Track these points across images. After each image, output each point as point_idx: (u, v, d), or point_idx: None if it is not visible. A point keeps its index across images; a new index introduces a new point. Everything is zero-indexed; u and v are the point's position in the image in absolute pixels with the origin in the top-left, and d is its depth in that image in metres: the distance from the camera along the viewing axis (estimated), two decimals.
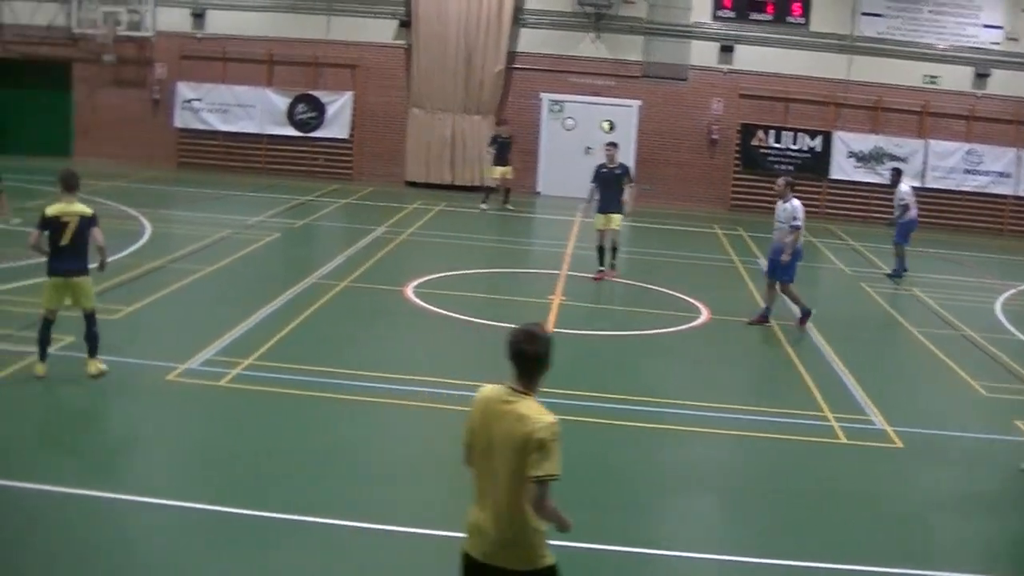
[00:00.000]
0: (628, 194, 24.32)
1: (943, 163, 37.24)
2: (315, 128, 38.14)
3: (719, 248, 29.78)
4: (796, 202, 20.18)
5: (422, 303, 20.06)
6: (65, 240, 14.37)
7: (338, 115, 38.06)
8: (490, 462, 7.03)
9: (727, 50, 37.49)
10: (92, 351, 14.58)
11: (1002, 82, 37.32)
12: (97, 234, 14.59)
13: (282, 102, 38.13)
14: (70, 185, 14.70)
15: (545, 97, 37.94)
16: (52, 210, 14.51)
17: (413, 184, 37.36)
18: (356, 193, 35.12)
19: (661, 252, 28.90)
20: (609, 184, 24.00)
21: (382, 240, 26.63)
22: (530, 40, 37.69)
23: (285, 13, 38.04)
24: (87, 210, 14.61)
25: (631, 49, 37.51)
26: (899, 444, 14.42)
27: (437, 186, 37.17)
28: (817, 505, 12.46)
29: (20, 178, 31.93)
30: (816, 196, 36.50)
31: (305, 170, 38.12)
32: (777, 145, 37.46)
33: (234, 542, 10.38)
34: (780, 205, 20.32)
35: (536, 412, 6.92)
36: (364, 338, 18.23)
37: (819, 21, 37.36)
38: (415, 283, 21.57)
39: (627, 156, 36.52)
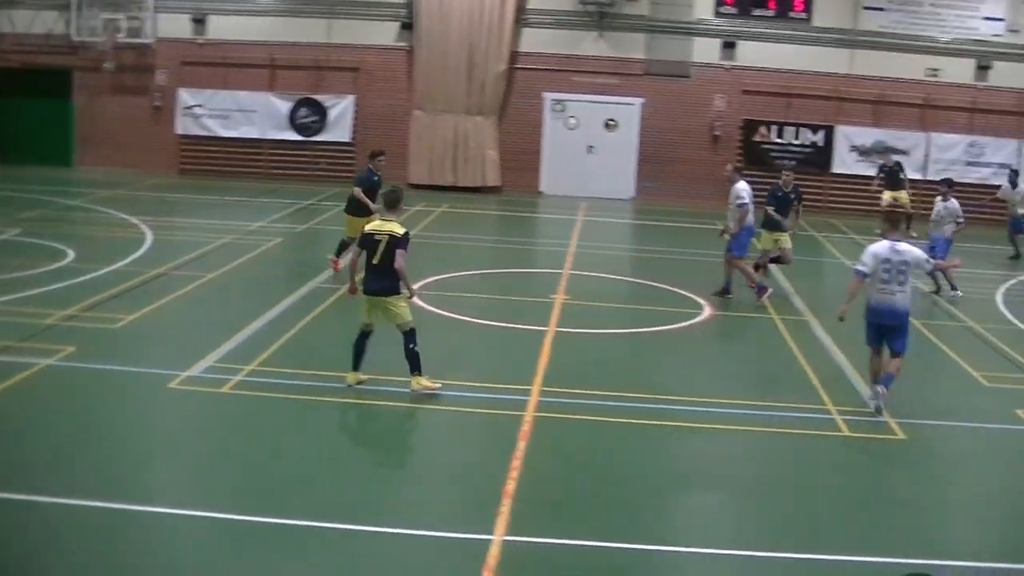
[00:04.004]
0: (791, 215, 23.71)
1: (945, 155, 37.32)
2: (317, 132, 38.17)
3: (723, 244, 29.63)
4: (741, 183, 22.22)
5: (425, 305, 20.00)
6: (375, 259, 14.49)
7: (340, 118, 38.08)
8: None
9: (729, 46, 37.46)
10: (411, 368, 14.65)
11: (1003, 74, 37.37)
12: (398, 256, 14.40)
13: (284, 107, 38.18)
14: (388, 203, 14.97)
15: (547, 96, 37.93)
16: (369, 227, 14.83)
17: (416, 186, 37.24)
18: None
19: (665, 249, 28.86)
20: (782, 206, 23.46)
21: None
22: (532, 39, 37.68)
23: (287, 17, 38.06)
24: (398, 230, 14.53)
25: (633, 47, 37.50)
26: (902, 436, 14.43)
27: (440, 188, 37.13)
28: (824, 498, 12.46)
29: (21, 188, 32.07)
30: (819, 190, 36.56)
31: (308, 174, 38.10)
32: (780, 140, 37.52)
33: (245, 550, 10.29)
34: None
35: None
36: (374, 342, 18.12)
37: (821, 16, 37.35)
38: (418, 285, 21.41)
39: (630, 154, 36.78)
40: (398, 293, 14.64)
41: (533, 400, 14.82)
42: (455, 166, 37.70)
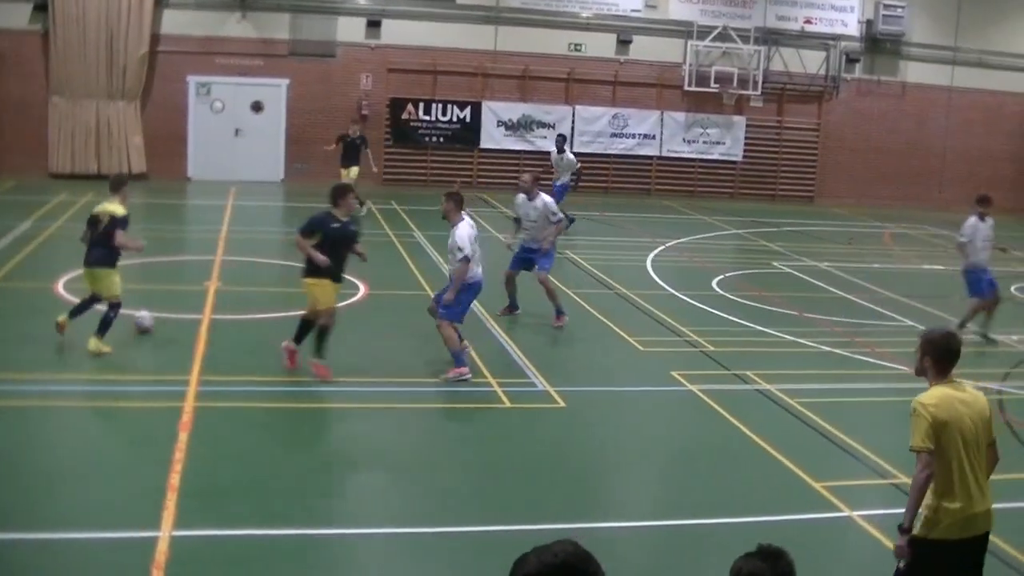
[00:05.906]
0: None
1: (590, 128, 38.54)
2: None
3: (375, 223, 29.71)
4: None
5: (74, 299, 19.24)
6: (94, 234, 16.16)
7: None
8: (972, 447, 7.75)
9: (374, 25, 37.53)
10: (98, 330, 15.94)
11: (643, 48, 38.95)
12: (118, 235, 16.02)
13: None
14: (112, 186, 16.71)
15: (192, 80, 37.08)
16: (96, 208, 16.50)
17: (58, 176, 35.71)
18: None
19: None
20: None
21: (27, 236, 25.40)
22: (174, 21, 36.64)
23: None
24: (118, 211, 16.18)
25: (278, 27, 37.11)
26: (561, 404, 14.74)
27: (84, 177, 35.65)
28: (488, 470, 12.64)
29: None
30: (467, 165, 37.14)
31: None
32: (427, 118, 37.93)
33: None
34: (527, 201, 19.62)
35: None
36: (12, 339, 17.22)
37: None
38: (66, 278, 20.67)
39: (278, 136, 36.50)
40: (109, 266, 16.23)
41: (192, 390, 14.45)
42: (98, 154, 36.32)
